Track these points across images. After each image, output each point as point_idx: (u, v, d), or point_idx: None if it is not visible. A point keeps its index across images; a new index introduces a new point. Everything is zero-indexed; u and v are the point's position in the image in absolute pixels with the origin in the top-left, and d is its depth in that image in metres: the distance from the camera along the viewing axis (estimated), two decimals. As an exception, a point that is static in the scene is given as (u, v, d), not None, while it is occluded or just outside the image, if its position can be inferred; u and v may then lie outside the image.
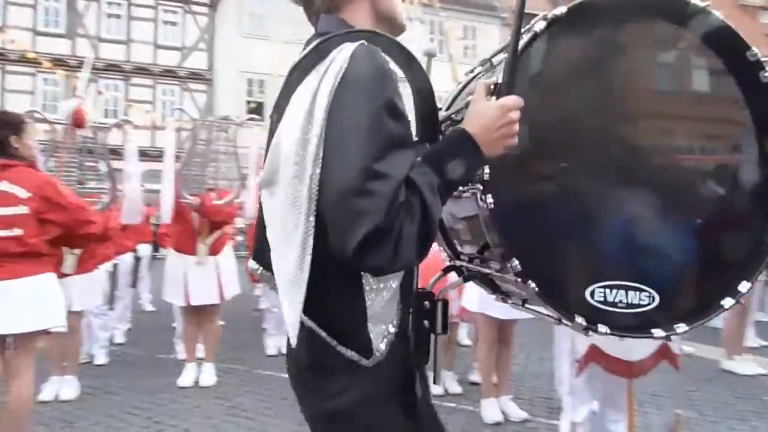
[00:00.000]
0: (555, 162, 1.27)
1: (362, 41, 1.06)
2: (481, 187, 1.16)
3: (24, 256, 2.98)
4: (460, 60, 22.94)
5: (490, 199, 1.15)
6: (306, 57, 1.12)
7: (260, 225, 1.20)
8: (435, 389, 4.38)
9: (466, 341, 5.81)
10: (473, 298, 3.78)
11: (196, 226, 4.68)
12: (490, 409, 3.80)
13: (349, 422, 1.12)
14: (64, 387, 4.32)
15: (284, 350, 5.44)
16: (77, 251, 4.31)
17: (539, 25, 1.21)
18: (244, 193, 5.17)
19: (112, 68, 20.39)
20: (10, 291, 2.93)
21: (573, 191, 1.26)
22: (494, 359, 3.91)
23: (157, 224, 7.27)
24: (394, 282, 1.12)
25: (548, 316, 1.23)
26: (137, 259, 6.77)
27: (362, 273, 1.09)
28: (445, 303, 1.18)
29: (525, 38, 1.20)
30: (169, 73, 21.13)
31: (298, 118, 1.03)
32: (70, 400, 4.26)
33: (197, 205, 4.55)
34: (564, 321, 1.21)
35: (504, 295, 1.46)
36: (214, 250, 4.75)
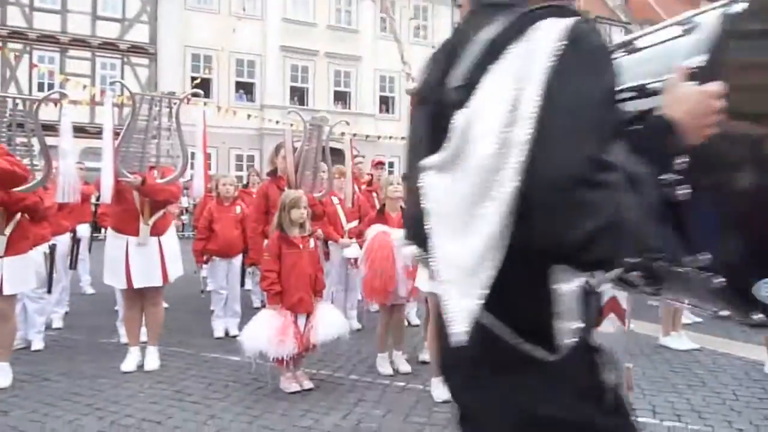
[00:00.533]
0: (745, 151, 1.22)
1: (578, 17, 0.97)
2: (678, 177, 1.10)
3: None
4: (411, 41, 22.86)
5: (686, 189, 1.09)
6: (501, 31, 1.01)
7: (415, 208, 1.10)
8: (385, 369, 4.44)
9: (416, 321, 5.86)
10: (424, 277, 3.80)
11: (137, 205, 4.50)
12: (442, 388, 3.85)
13: (540, 420, 1.06)
14: (-4, 374, 4.11)
15: (232, 332, 5.37)
16: (8, 231, 4.08)
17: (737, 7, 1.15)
18: (188, 172, 5.02)
19: (46, 39, 19.33)
20: None
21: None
22: None
23: (96, 204, 6.99)
24: (584, 276, 1.07)
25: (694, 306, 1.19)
26: (76, 240, 6.48)
27: (551, 267, 1.02)
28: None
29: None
30: (109, 46, 20.19)
31: (501, 97, 0.93)
32: (3, 388, 4.05)
33: (138, 184, 4.37)
34: (737, 318, 1.20)
35: (628, 284, 1.41)
36: (157, 231, 4.59)
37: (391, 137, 22.06)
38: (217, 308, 5.86)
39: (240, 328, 5.18)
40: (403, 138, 21.61)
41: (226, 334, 5.65)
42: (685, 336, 5.37)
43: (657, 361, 4.70)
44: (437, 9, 24.99)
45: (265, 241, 4.42)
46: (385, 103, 25.00)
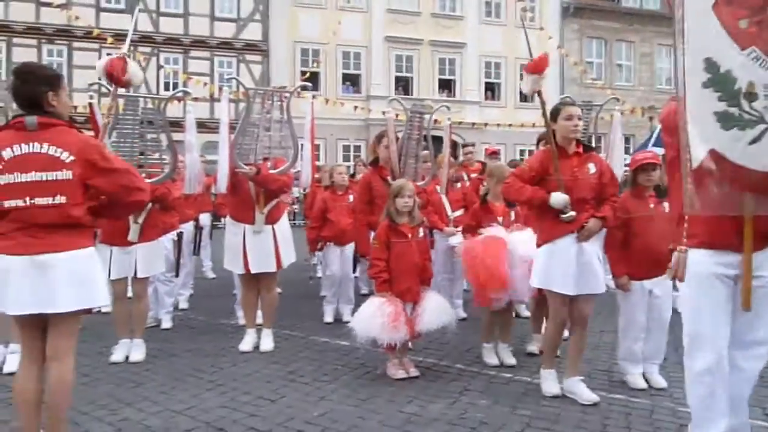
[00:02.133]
0: None
1: None
2: None
3: (65, 227, 2.64)
4: (516, 24, 22.08)
5: None
6: None
7: None
8: (490, 360, 4.35)
9: (525, 313, 5.72)
10: (536, 272, 3.71)
11: (252, 195, 4.74)
12: (551, 380, 3.73)
13: None
14: (132, 349, 4.53)
15: (345, 317, 5.31)
16: (141, 220, 4.46)
17: None
18: (299, 163, 5.20)
19: (171, 42, 20.84)
20: (50, 265, 2.59)
21: None
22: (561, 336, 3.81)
23: (216, 194, 7.45)
24: None
25: None
26: (199, 228, 6.95)
27: None
28: None
29: None
30: (225, 45, 21.41)
31: None
32: (138, 361, 4.46)
33: (253, 174, 4.61)
34: None
35: None
36: (271, 219, 4.81)
37: (498, 125, 21.60)
38: (328, 293, 5.99)
39: (352, 314, 5.29)
40: (510, 125, 20.91)
41: (337, 319, 5.77)
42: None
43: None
44: (545, -10, 24.06)
45: (371, 233, 4.48)
46: (491, 90, 24.48)
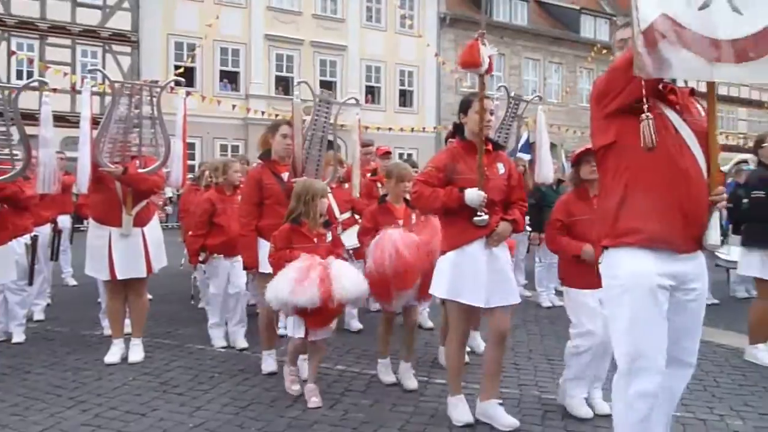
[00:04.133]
0: None
1: None
2: None
3: None
4: (397, 30, 22.58)
5: None
6: None
7: None
8: (387, 378, 4.14)
9: (429, 324, 5.84)
10: (444, 282, 3.35)
11: (119, 195, 4.43)
12: (460, 408, 3.38)
13: None
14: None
15: (239, 344, 4.72)
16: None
17: None
18: (170, 162, 4.95)
19: (24, 26, 18.93)
20: None
21: None
22: None
23: (78, 194, 6.89)
24: None
25: None
26: (57, 231, 6.39)
27: None
28: None
29: None
30: (89, 33, 19.83)
31: None
32: (-16, 381, 4.00)
33: (119, 174, 4.31)
34: None
35: None
36: (140, 221, 4.53)
37: (378, 128, 21.98)
38: (214, 317, 5.05)
39: (241, 342, 4.83)
40: (390, 129, 21.36)
41: (230, 345, 4.90)
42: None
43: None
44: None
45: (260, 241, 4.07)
46: (372, 93, 24.89)
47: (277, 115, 18.57)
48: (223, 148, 21.45)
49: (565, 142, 19.25)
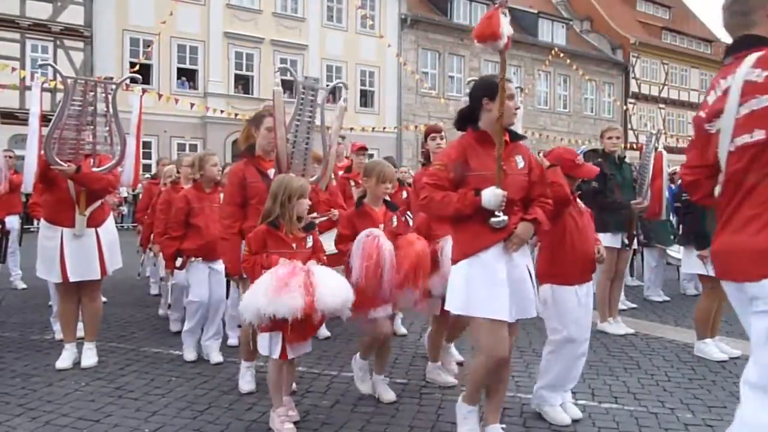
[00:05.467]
0: None
1: None
2: None
3: None
4: (357, 30, 22.62)
5: None
6: None
7: None
8: (364, 388, 3.94)
9: (402, 330, 5.83)
10: (459, 296, 2.95)
11: (72, 195, 4.29)
12: (471, 425, 3.01)
13: None
14: None
15: (214, 358, 4.39)
16: (-72, 224, 3.82)
17: None
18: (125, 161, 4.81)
19: (-30, 19, 18.15)
20: None
21: None
22: None
23: (28, 194, 6.66)
24: None
25: None
26: (5, 233, 6.16)
27: None
28: None
29: None
30: (40, 27, 19.14)
31: None
32: (-75, 389, 3.81)
33: (72, 172, 4.17)
34: None
35: None
36: (94, 222, 4.39)
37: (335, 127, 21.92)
38: (190, 321, 4.57)
39: (216, 356, 4.45)
40: (351, 129, 21.43)
41: (201, 357, 4.57)
42: (621, 321, 5.59)
43: (595, 346, 4.87)
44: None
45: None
46: (332, 93, 24.77)
47: (236, 115, 18.36)
48: (181, 146, 21.04)
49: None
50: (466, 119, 2.98)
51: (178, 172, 5.48)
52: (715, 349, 4.69)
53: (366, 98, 25.52)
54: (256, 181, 3.78)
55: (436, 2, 27.44)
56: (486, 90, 2.88)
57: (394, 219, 3.70)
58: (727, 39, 2.25)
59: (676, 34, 35.42)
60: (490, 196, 2.74)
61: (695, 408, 3.60)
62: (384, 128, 22.74)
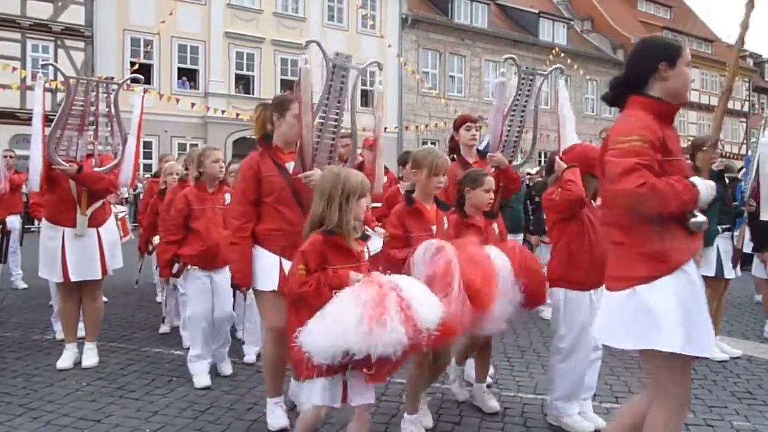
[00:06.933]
0: None
1: None
2: None
3: None
4: (359, 30, 22.57)
5: None
6: None
7: None
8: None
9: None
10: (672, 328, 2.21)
11: (73, 195, 4.30)
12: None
13: None
14: None
15: (224, 370, 4.17)
16: (-70, 224, 3.82)
17: None
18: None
19: (-29, 19, 18.16)
20: None
21: None
22: None
23: (28, 194, 6.67)
24: None
25: None
26: (6, 233, 6.16)
27: None
28: None
29: None
30: (40, 27, 19.14)
31: None
32: (-73, 389, 3.82)
33: (74, 172, 4.17)
34: None
35: None
36: (95, 222, 4.40)
37: (343, 127, 21.92)
38: (195, 347, 4.09)
39: (226, 367, 4.19)
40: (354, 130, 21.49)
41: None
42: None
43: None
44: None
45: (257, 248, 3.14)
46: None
47: (237, 114, 18.37)
48: (182, 146, 21.01)
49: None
50: (630, 86, 2.24)
51: (186, 168, 4.87)
52: (716, 349, 4.68)
53: (367, 98, 25.50)
54: (273, 175, 3.20)
55: (436, 2, 27.40)
56: (665, 52, 2.19)
57: (446, 220, 3.18)
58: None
59: (676, 33, 35.41)
60: (706, 188, 2.10)
61: (696, 408, 3.60)
62: (385, 128, 22.73)
